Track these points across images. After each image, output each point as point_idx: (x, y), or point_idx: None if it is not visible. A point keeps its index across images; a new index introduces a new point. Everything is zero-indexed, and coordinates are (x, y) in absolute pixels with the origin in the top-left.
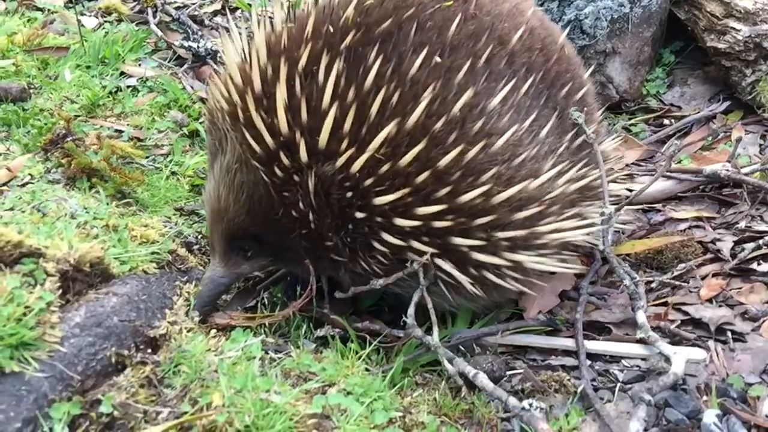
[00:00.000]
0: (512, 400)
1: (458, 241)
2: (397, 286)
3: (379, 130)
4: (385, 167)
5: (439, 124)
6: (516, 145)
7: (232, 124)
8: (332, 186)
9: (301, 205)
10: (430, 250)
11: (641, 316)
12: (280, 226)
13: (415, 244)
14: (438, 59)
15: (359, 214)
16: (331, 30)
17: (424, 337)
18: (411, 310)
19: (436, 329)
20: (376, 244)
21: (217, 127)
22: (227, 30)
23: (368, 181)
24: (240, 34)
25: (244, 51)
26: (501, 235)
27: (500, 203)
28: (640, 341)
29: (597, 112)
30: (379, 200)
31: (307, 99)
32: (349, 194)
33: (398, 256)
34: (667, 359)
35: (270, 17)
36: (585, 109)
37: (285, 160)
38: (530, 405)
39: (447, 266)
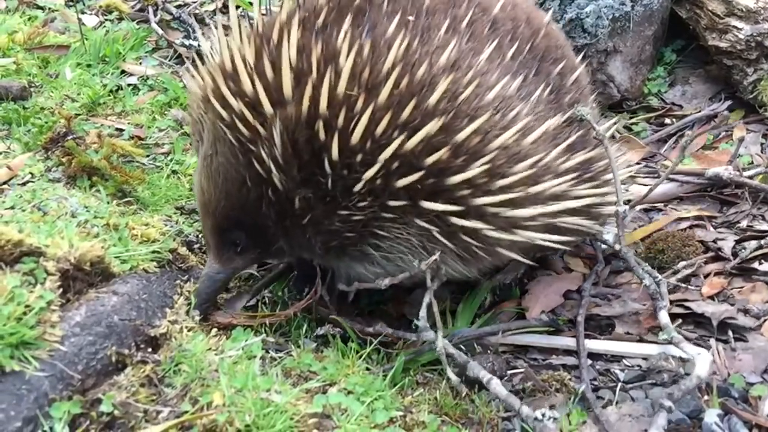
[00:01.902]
0: (525, 409)
1: (458, 177)
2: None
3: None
4: (360, 102)
5: (421, 70)
6: (508, 98)
7: (205, 108)
8: (298, 128)
9: (265, 157)
10: (411, 179)
11: (664, 317)
12: (251, 200)
13: (401, 182)
14: (411, 18)
15: (335, 156)
16: (306, 15)
17: (436, 340)
18: (423, 312)
19: (440, 334)
20: (357, 186)
21: (195, 120)
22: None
23: (341, 118)
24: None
25: (220, 40)
26: (502, 182)
27: (498, 148)
28: (665, 342)
29: (591, 96)
30: (357, 134)
31: (273, 63)
32: (323, 135)
33: (380, 200)
34: (683, 360)
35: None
36: (580, 91)
37: (249, 117)
38: (543, 415)
39: (439, 206)
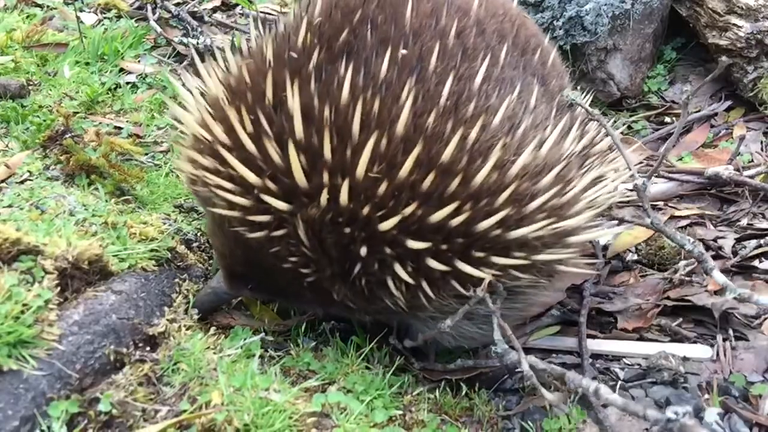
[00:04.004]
0: (652, 413)
1: (486, 223)
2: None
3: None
4: (384, 185)
5: (431, 119)
6: (512, 117)
7: (205, 191)
8: (323, 228)
9: (294, 259)
10: (442, 268)
11: (720, 276)
12: (280, 278)
13: (432, 263)
14: (404, 51)
15: (364, 251)
16: (294, 55)
17: (522, 361)
18: (497, 335)
19: (522, 355)
20: (391, 281)
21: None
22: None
23: (366, 209)
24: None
25: (205, 98)
26: (532, 205)
27: (518, 174)
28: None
29: (567, 76)
30: (386, 224)
31: (277, 136)
32: (347, 230)
33: (416, 284)
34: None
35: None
36: (560, 75)
37: (262, 219)
38: (676, 413)
39: (473, 270)
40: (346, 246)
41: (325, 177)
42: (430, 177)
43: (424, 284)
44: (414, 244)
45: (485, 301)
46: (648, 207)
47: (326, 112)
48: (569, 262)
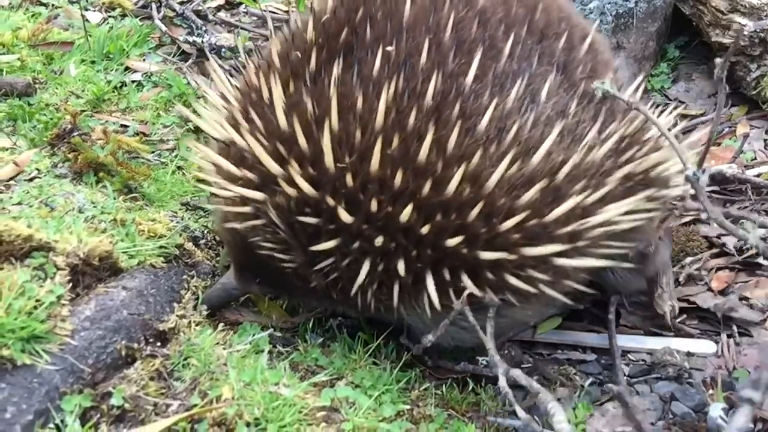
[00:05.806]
0: None
1: (453, 240)
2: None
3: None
4: (349, 178)
5: (412, 117)
6: (503, 118)
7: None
8: (290, 214)
9: (271, 245)
10: (404, 273)
11: None
12: (271, 267)
13: (401, 267)
14: (390, 48)
15: (330, 243)
16: (299, 55)
17: (509, 372)
18: (490, 344)
19: (501, 371)
20: (361, 278)
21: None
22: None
23: (330, 200)
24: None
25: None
26: (507, 224)
27: (496, 186)
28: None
29: (613, 61)
30: (349, 218)
31: (267, 129)
32: (314, 220)
33: (388, 287)
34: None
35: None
36: (595, 59)
37: (242, 209)
38: None
39: (434, 295)
40: (314, 236)
41: (295, 165)
42: (400, 174)
43: (396, 288)
44: (380, 241)
45: (465, 314)
46: (705, 200)
47: (309, 106)
48: (558, 286)
